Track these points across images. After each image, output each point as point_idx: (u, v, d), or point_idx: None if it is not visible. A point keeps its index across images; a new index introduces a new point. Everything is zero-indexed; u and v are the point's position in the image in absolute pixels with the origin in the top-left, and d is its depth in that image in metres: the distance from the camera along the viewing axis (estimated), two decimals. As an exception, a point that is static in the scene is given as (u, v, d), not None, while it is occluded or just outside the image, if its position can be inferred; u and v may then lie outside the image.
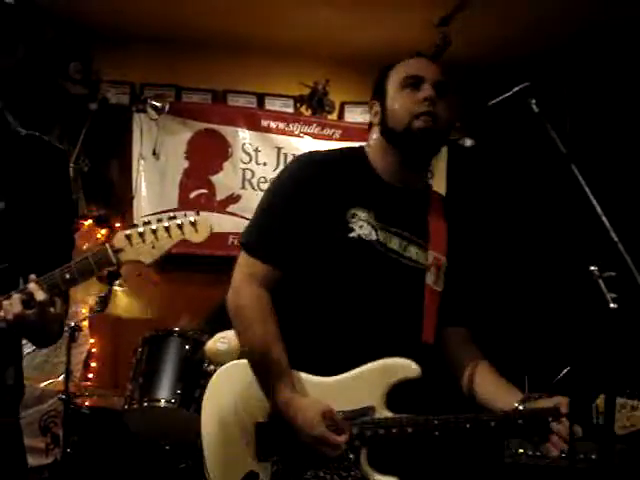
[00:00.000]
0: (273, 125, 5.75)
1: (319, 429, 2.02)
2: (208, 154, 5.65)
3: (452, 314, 2.28)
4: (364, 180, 2.23)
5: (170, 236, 1.91)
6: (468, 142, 5.55)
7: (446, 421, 2.06)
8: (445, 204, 2.34)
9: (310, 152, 2.36)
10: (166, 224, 1.91)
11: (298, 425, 2.04)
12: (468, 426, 2.04)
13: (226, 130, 5.68)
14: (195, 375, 3.83)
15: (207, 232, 1.92)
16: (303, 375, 2.13)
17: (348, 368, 2.13)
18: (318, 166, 2.23)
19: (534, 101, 1.94)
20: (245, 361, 2.18)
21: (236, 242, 5.46)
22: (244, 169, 5.69)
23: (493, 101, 2.04)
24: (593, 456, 2.44)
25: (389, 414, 2.09)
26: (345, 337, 2.14)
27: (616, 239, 1.71)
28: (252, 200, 5.62)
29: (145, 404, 3.80)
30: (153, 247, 1.91)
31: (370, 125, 2.34)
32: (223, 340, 3.77)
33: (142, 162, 5.46)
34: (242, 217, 5.59)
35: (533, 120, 1.94)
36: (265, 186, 5.66)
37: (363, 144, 2.35)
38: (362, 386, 2.11)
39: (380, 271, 2.17)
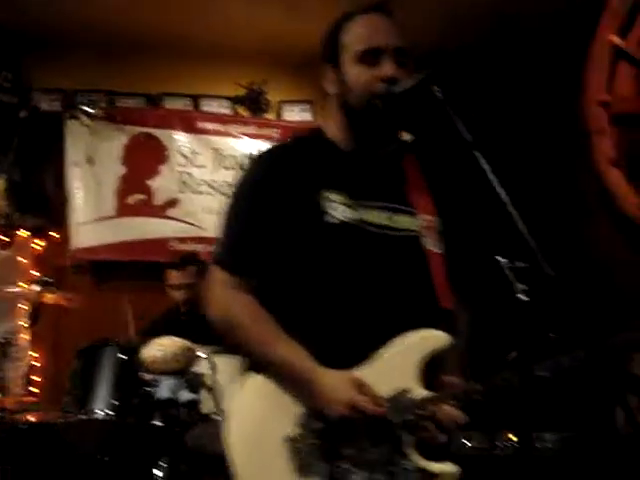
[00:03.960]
0: (210, 127, 5.70)
1: (350, 392, 1.83)
2: (144, 159, 5.58)
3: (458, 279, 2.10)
4: (328, 160, 2.05)
5: None
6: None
7: (491, 384, 1.84)
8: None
9: (264, 149, 2.14)
10: None
11: (328, 393, 1.84)
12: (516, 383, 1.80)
13: (162, 133, 5.63)
14: (132, 384, 3.76)
15: None
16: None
17: (368, 356, 1.92)
18: (276, 159, 2.06)
19: (437, 88, 1.88)
20: (256, 376, 1.97)
21: (175, 247, 5.42)
22: (182, 172, 5.63)
23: (398, 89, 1.96)
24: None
25: (426, 392, 1.89)
26: (358, 326, 1.93)
27: (524, 229, 1.66)
28: (191, 203, 5.59)
29: (81, 416, 3.72)
30: None
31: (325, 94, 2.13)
32: (160, 347, 3.71)
33: (76, 169, 5.38)
34: (182, 221, 5.54)
35: (438, 107, 1.88)
36: (204, 189, 5.62)
37: (317, 123, 2.17)
38: (391, 370, 1.90)
39: (372, 249, 1.99)
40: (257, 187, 2.03)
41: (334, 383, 1.86)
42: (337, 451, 1.86)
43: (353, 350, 1.92)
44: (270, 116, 5.90)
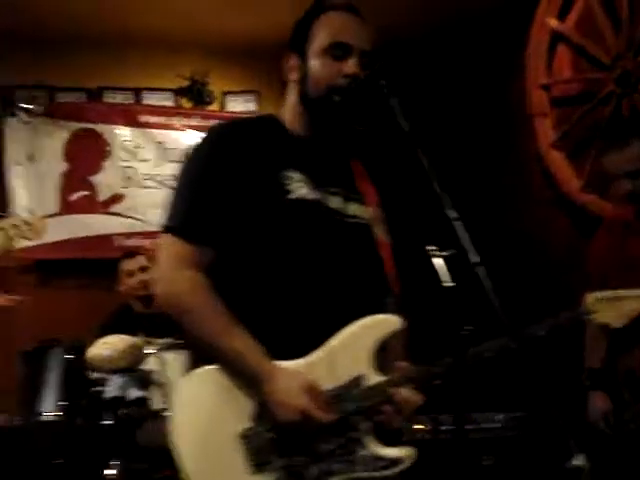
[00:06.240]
0: (152, 120, 5.62)
1: (301, 399, 1.79)
2: (86, 154, 5.48)
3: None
4: (285, 142, 2.04)
5: None
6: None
7: (447, 365, 1.82)
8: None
9: (224, 121, 2.13)
10: None
11: (279, 396, 1.80)
12: (471, 363, 1.82)
13: (104, 128, 5.52)
14: (79, 384, 3.72)
15: None
16: (276, 363, 1.86)
17: (320, 343, 1.88)
18: (238, 129, 2.01)
19: (384, 82, 1.89)
20: (207, 368, 1.89)
21: (121, 244, 5.36)
22: (125, 167, 5.55)
23: (357, 86, 1.97)
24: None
25: (381, 378, 1.87)
26: (312, 310, 1.90)
27: (453, 216, 1.67)
28: (136, 199, 5.53)
29: (29, 419, 3.67)
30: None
31: (285, 82, 2.11)
32: (106, 346, 3.67)
33: (17, 168, 5.26)
34: (127, 217, 5.48)
35: (384, 101, 1.89)
36: (148, 183, 5.56)
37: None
38: (343, 357, 1.87)
39: (328, 231, 1.97)
40: (215, 155, 1.97)
41: (285, 387, 1.81)
42: (292, 445, 1.83)
43: (306, 336, 1.89)
44: (214, 107, 5.84)
